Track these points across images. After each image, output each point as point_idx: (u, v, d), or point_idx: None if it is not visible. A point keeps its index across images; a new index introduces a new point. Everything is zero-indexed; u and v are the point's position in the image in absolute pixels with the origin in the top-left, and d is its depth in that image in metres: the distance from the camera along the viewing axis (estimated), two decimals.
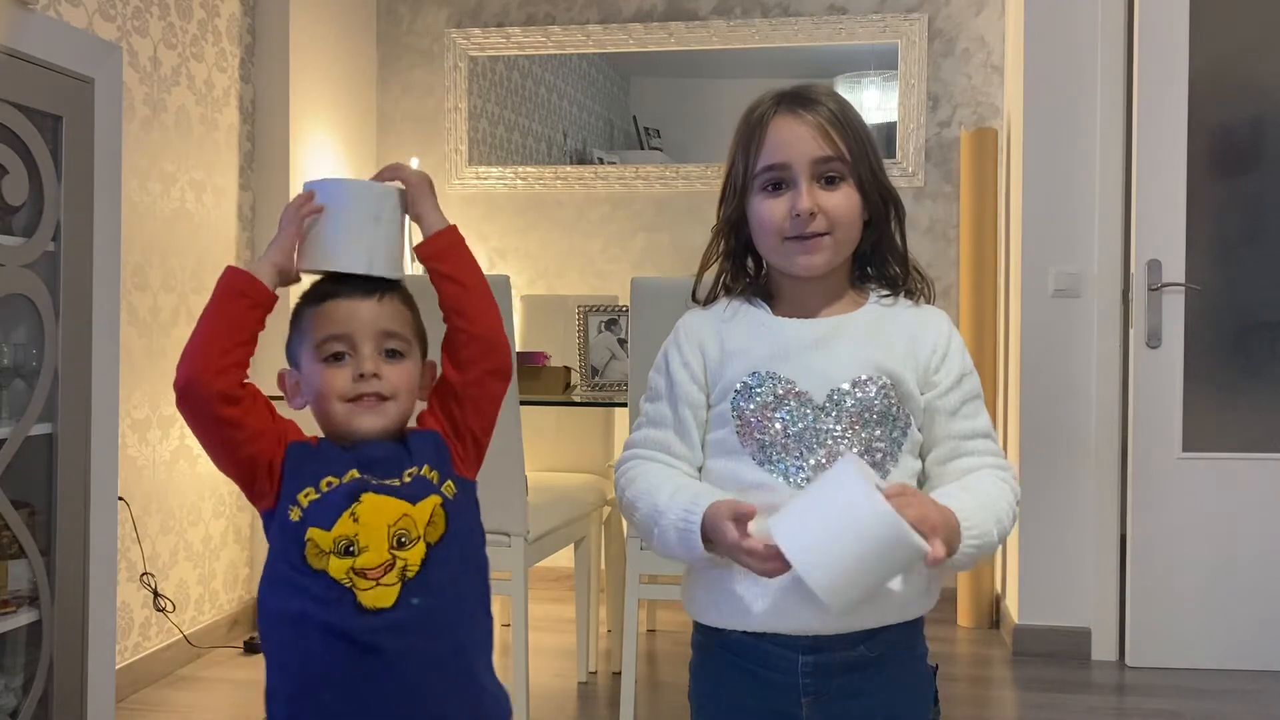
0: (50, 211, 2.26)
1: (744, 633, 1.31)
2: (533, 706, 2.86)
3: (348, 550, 1.30)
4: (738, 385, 1.34)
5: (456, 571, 1.35)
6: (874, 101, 4.31)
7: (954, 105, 4.16)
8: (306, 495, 1.33)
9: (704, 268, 1.45)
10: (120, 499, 2.52)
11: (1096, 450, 3.46)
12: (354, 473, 1.34)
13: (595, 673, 3.29)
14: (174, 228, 3.34)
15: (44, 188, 2.25)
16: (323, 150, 4.04)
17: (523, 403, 2.73)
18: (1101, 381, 3.45)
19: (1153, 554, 3.36)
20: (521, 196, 4.43)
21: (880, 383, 1.32)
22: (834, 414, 1.31)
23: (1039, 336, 3.48)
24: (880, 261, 1.42)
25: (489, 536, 2.69)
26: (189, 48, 3.41)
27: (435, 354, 1.47)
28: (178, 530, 3.33)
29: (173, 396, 1.33)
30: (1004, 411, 3.78)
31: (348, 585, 1.29)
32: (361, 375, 1.36)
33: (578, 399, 3.12)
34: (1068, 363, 3.47)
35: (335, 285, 1.40)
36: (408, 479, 1.36)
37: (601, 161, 4.52)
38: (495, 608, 4.32)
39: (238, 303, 1.35)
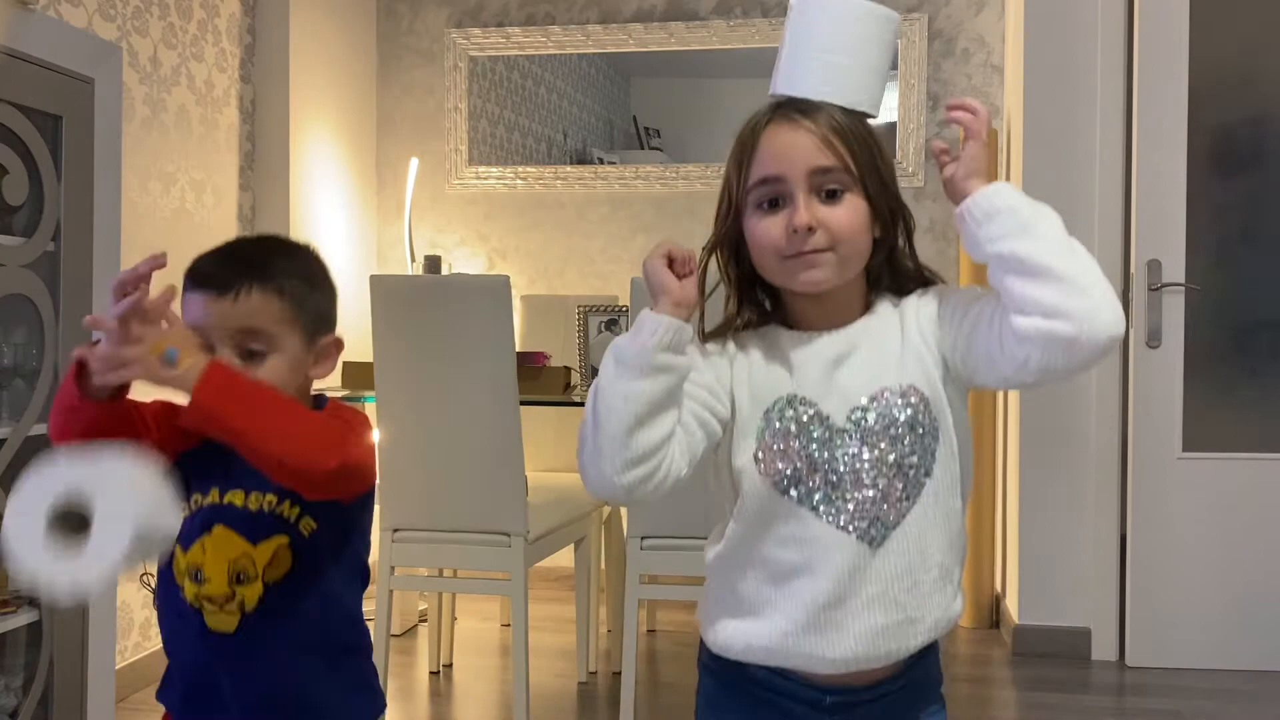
0: (50, 211, 2.26)
1: (766, 667, 1.25)
2: (533, 706, 2.86)
3: (196, 577, 1.34)
4: (763, 408, 1.24)
5: (300, 609, 1.35)
6: None
7: None
8: (183, 510, 1.34)
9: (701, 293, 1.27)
10: None
11: (1096, 450, 3.45)
12: (214, 493, 1.34)
13: (595, 673, 3.29)
14: (174, 228, 3.34)
15: (44, 188, 2.25)
16: (323, 150, 4.04)
17: (523, 403, 2.72)
18: (1101, 381, 3.44)
19: (1153, 554, 3.36)
20: (521, 196, 4.43)
21: (902, 390, 1.22)
22: (856, 436, 1.21)
23: None
24: (896, 279, 1.29)
25: (489, 536, 2.71)
26: (189, 48, 3.41)
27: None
28: None
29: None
30: (1004, 412, 3.78)
31: (196, 607, 1.34)
32: None
33: (578, 399, 3.12)
34: None
35: (201, 270, 1.31)
36: (264, 507, 1.33)
37: (601, 161, 4.52)
38: (495, 607, 4.25)
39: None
